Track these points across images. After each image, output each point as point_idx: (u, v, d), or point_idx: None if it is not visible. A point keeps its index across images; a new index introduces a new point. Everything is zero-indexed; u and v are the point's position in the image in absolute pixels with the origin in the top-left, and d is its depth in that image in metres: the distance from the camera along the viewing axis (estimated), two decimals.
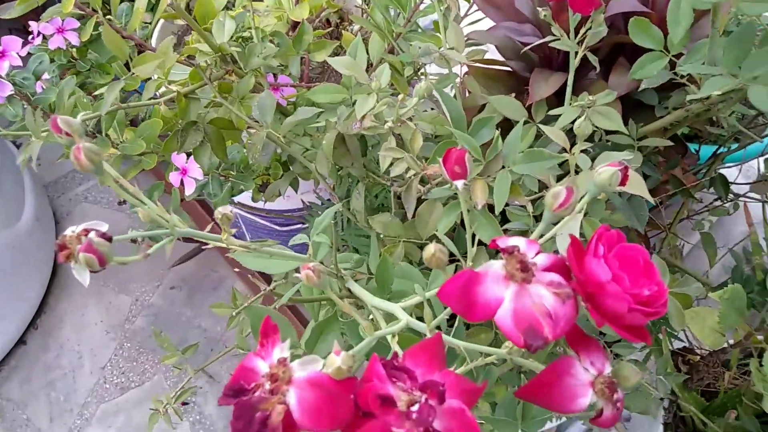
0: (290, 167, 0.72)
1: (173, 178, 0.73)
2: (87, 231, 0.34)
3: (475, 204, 0.46)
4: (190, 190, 0.74)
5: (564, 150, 0.49)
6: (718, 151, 0.81)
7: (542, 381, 0.31)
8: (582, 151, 0.49)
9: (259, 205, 1.12)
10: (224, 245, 0.44)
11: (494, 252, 0.33)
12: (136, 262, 0.38)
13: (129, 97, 0.85)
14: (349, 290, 0.53)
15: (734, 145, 0.89)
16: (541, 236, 0.34)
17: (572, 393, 0.31)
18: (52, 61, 0.85)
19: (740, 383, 0.87)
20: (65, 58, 0.84)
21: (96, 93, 0.66)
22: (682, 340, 0.87)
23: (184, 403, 1.55)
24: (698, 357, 0.84)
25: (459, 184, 0.35)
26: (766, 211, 0.86)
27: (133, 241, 0.79)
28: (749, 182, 0.80)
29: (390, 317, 0.46)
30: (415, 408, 0.29)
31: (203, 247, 0.44)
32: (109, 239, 0.34)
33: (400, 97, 0.55)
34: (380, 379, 0.31)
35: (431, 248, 0.33)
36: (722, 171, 0.85)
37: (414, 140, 0.50)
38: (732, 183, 0.83)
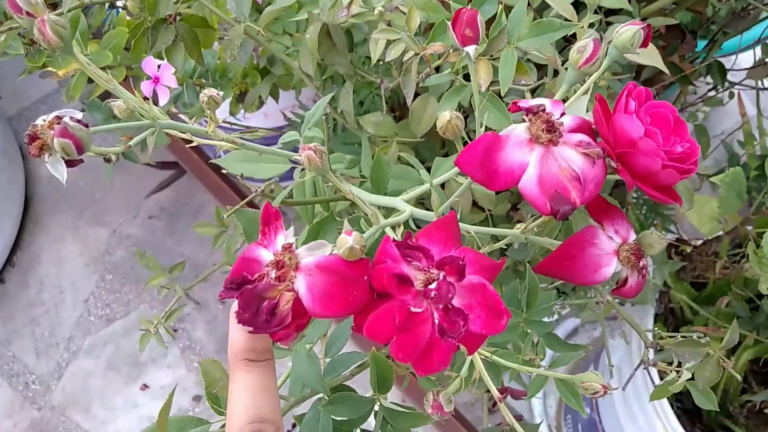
0: (270, 70, 0.68)
1: (145, 87, 0.68)
2: (59, 118, 0.30)
3: (479, 86, 0.43)
4: (164, 101, 0.69)
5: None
6: (715, 37, 0.78)
7: (564, 252, 0.30)
8: (590, 26, 0.45)
9: (239, 122, 1.07)
10: (210, 141, 0.40)
11: None
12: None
13: (90, 9, 0.79)
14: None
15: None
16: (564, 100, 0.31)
17: (596, 263, 0.29)
18: None
19: (729, 272, 0.88)
20: None
21: None
22: (674, 233, 0.87)
23: (175, 330, 1.55)
24: (690, 247, 0.84)
25: (470, 50, 0.32)
26: (760, 98, 0.84)
27: (107, 160, 0.74)
28: (746, 68, 0.78)
29: (389, 215, 0.44)
30: (433, 286, 0.27)
31: (190, 143, 0.40)
32: (86, 125, 0.31)
33: None
34: (394, 260, 0.29)
35: (447, 115, 0.30)
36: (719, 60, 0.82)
37: (411, 18, 0.46)
38: (729, 70, 0.80)
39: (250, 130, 0.50)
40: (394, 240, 0.30)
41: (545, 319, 0.57)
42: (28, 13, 0.33)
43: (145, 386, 1.45)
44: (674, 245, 0.86)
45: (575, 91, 0.35)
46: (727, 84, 0.87)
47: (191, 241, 1.59)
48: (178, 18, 0.59)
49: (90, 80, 0.78)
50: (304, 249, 0.30)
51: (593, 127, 0.29)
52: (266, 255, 0.30)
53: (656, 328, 0.92)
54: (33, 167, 1.70)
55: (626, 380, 0.49)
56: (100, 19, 0.84)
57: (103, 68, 0.74)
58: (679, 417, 0.96)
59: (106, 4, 0.74)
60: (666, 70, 0.44)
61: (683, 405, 1.04)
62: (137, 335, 1.54)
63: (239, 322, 0.29)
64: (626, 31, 0.32)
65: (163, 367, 1.46)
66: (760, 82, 0.83)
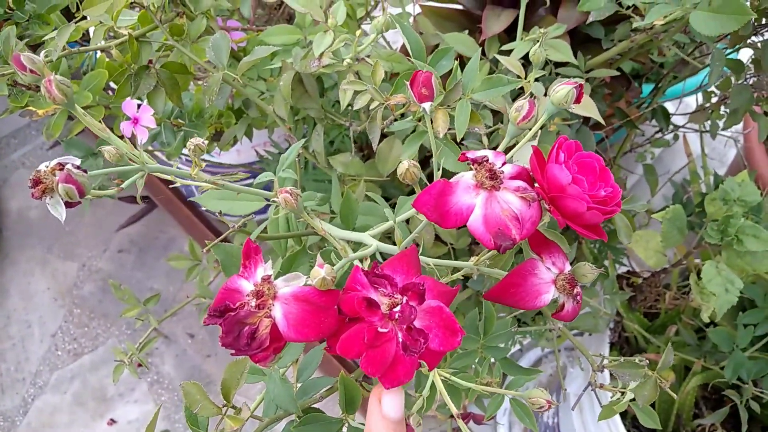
0: (245, 112, 0.72)
1: (124, 127, 0.72)
2: (62, 165, 0.34)
3: (437, 133, 0.48)
4: (143, 140, 0.73)
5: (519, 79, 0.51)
6: (660, 84, 0.85)
7: (509, 281, 0.34)
8: (536, 80, 0.51)
9: (211, 158, 1.11)
10: (193, 181, 0.44)
11: None
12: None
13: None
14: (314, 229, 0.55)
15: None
16: (506, 151, 0.36)
17: (536, 290, 0.34)
18: None
19: (680, 303, 0.94)
20: (2, 8, 0.81)
21: (45, 38, 0.63)
22: (626, 265, 0.92)
23: (139, 365, 1.55)
24: (641, 279, 0.89)
25: (426, 106, 0.36)
26: (704, 141, 0.91)
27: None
28: (688, 113, 0.85)
29: (357, 249, 0.48)
30: (398, 309, 0.31)
31: (168, 181, 0.44)
32: (85, 171, 0.34)
33: (358, 33, 0.55)
34: (363, 287, 0.33)
35: (405, 163, 0.34)
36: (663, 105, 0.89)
37: (376, 71, 0.51)
38: (672, 114, 0.87)
39: (229, 170, 0.54)
40: (363, 269, 0.34)
41: (502, 345, 0.61)
42: (31, 71, 0.37)
43: (112, 421, 1.44)
44: (625, 277, 0.91)
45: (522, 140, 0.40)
46: (672, 126, 0.94)
47: (160, 275, 1.61)
48: (159, 64, 0.63)
49: (70, 118, 0.81)
50: (281, 280, 0.34)
51: (531, 174, 0.33)
52: (247, 285, 0.34)
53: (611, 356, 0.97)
54: (2, 201, 1.71)
55: (576, 400, 0.53)
56: (79, 61, 0.88)
57: (82, 107, 0.78)
58: None
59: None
60: (602, 121, 0.50)
61: (639, 430, 1.09)
62: (105, 370, 1.54)
63: (222, 345, 0.32)
64: (561, 89, 0.37)
65: (130, 402, 1.46)
66: (702, 125, 0.90)
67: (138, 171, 0.39)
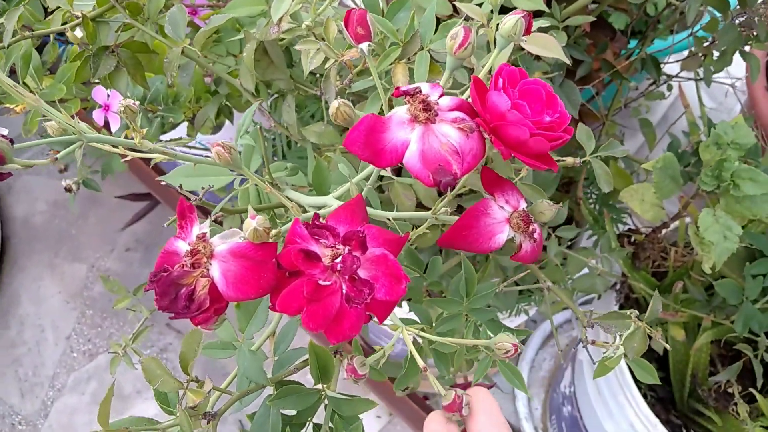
0: (218, 90, 0.70)
1: (96, 115, 0.71)
2: None
3: (396, 86, 0.46)
4: (115, 127, 0.71)
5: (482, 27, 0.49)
6: (646, 31, 0.81)
7: (462, 224, 0.32)
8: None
9: (198, 143, 1.09)
10: (140, 153, 0.42)
11: None
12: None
13: (45, 44, 0.81)
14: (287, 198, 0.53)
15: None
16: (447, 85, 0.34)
17: (490, 231, 0.32)
18: None
19: (687, 260, 0.91)
20: None
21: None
22: (627, 224, 0.89)
23: None
24: (643, 236, 0.86)
25: (364, 46, 0.34)
26: (700, 90, 0.88)
27: (68, 190, 0.76)
28: (679, 60, 0.81)
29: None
30: (339, 260, 0.30)
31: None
32: (11, 141, 0.33)
33: None
34: (303, 239, 0.31)
35: (335, 103, 0.32)
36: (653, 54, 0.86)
37: (328, 29, 0.49)
38: (664, 63, 0.84)
39: (183, 142, 0.52)
40: (302, 221, 0.32)
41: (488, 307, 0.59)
42: None
43: None
44: (627, 235, 0.88)
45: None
46: (665, 77, 0.90)
47: None
48: (119, 45, 0.61)
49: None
50: (218, 237, 0.32)
51: (473, 106, 0.31)
52: (183, 246, 0.32)
53: None
54: (7, 208, 1.72)
55: (571, 357, 0.51)
56: (54, 55, 0.87)
57: (60, 101, 0.77)
58: (653, 406, 0.98)
59: (56, 41, 0.77)
60: (565, 59, 0.47)
61: (657, 394, 1.06)
62: (121, 368, 1.54)
63: (158, 308, 0.30)
64: (509, 20, 0.35)
65: (148, 399, 1.46)
66: (695, 72, 0.87)
67: (75, 140, 0.38)
